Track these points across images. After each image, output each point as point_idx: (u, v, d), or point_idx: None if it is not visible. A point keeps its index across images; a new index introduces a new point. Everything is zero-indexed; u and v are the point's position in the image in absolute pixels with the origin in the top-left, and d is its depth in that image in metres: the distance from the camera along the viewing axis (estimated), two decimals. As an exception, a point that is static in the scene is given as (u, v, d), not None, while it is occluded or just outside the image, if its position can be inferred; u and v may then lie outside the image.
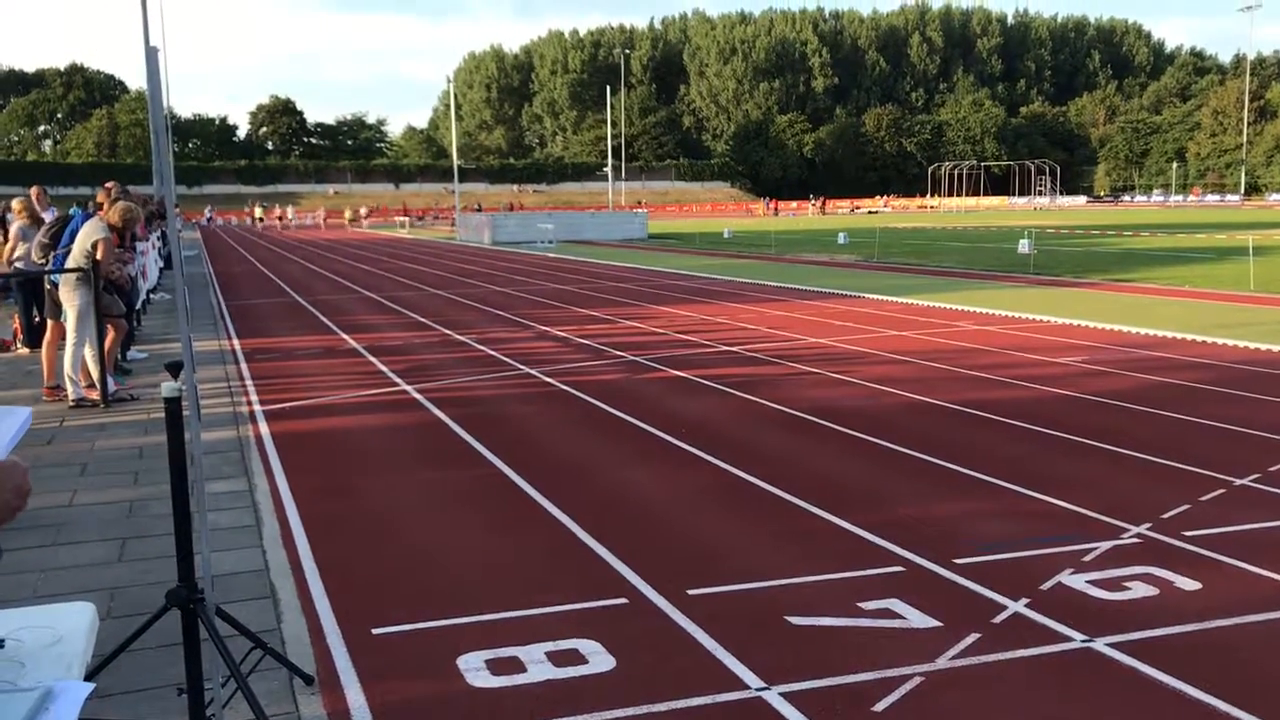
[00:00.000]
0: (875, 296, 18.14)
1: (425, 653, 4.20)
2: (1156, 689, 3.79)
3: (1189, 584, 4.79)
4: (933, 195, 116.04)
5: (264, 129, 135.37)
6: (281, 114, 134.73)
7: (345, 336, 14.45)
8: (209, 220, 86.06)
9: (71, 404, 9.43)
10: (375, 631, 4.41)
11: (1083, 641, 4.20)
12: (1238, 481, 6.42)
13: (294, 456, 7.52)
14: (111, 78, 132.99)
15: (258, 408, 9.35)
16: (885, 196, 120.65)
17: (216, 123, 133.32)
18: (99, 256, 9.53)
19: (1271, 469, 6.69)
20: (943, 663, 4.03)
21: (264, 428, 8.50)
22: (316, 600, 4.78)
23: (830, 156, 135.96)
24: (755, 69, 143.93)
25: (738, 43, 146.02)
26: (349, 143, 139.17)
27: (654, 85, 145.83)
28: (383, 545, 5.54)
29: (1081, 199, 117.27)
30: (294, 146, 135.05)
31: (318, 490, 6.64)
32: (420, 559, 5.31)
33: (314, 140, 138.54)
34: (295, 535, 5.73)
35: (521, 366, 11.45)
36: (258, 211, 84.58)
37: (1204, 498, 6.10)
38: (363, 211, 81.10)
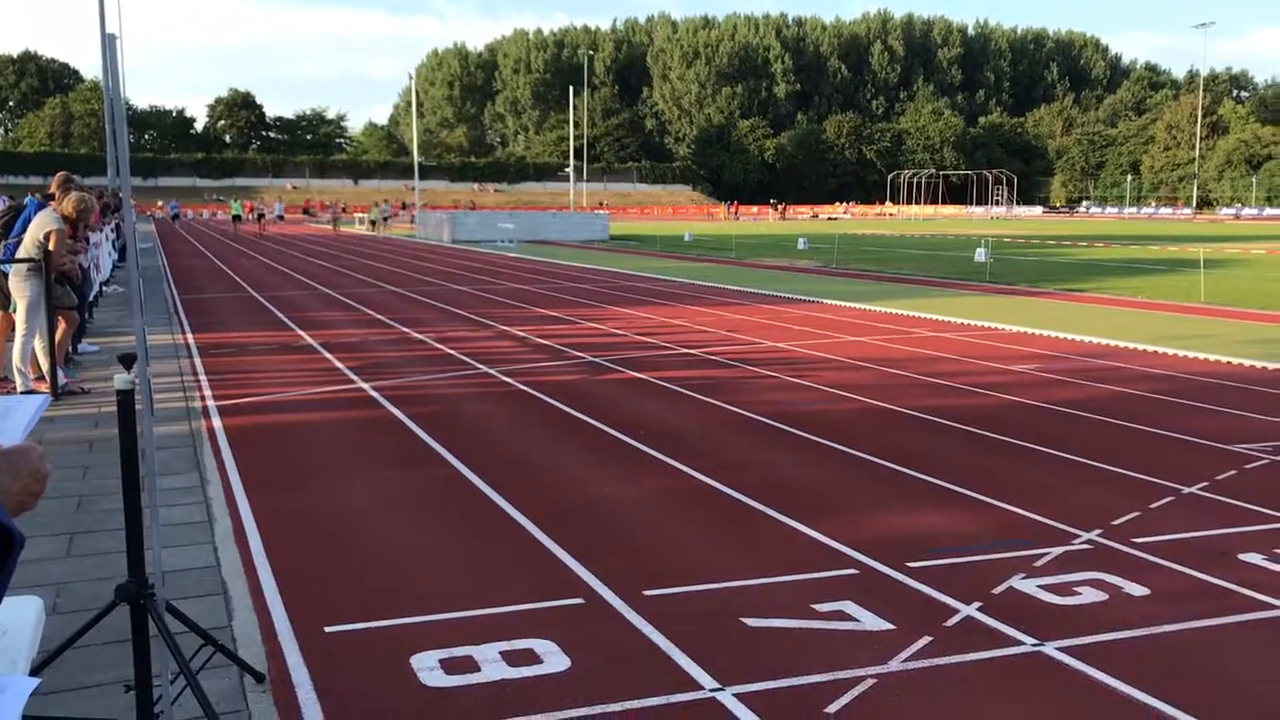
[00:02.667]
0: (834, 302, 18.25)
1: (379, 652, 4.17)
2: (1105, 692, 3.84)
3: (1137, 589, 4.86)
4: (892, 203, 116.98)
5: (222, 122, 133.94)
6: (240, 107, 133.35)
7: (301, 332, 14.32)
8: (174, 216, 69.19)
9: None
10: (328, 630, 4.37)
11: (1033, 645, 4.25)
12: (1186, 490, 6.52)
13: (248, 453, 7.44)
14: (66, 66, 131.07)
15: (211, 403, 9.24)
16: (845, 203, 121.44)
17: (174, 114, 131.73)
18: (51, 247, 9.38)
19: (1219, 477, 6.80)
20: (895, 665, 4.06)
21: (217, 423, 8.40)
22: (269, 598, 4.73)
23: (791, 162, 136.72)
24: (718, 73, 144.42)
25: (701, 46, 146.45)
26: (308, 137, 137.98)
27: (617, 87, 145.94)
28: (337, 543, 5.50)
29: (1038, 209, 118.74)
30: (252, 140, 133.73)
31: (271, 487, 6.58)
32: (375, 557, 5.28)
33: (273, 134, 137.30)
34: (248, 532, 5.67)
35: (480, 366, 11.40)
36: (234, 207, 59.52)
37: (1153, 505, 6.20)
38: (384, 208, 56.44)
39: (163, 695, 3.52)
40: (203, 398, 9.50)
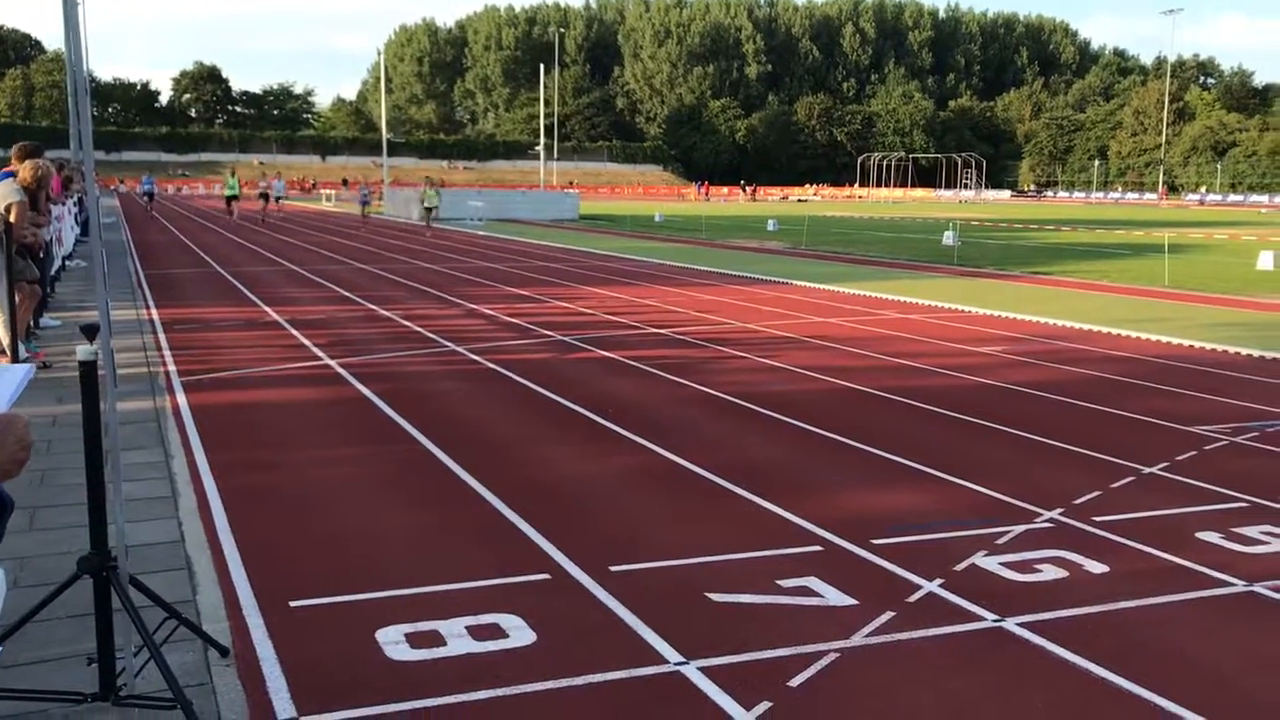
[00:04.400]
0: (803, 283, 18.31)
1: (344, 626, 4.16)
2: (1063, 666, 3.90)
3: (1097, 567, 4.93)
4: (861, 185, 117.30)
5: (187, 96, 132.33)
6: (206, 81, 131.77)
7: (267, 309, 14.21)
8: (148, 195, 49.48)
9: (-20, 370, 9.14)
10: (293, 604, 4.36)
11: (994, 621, 4.30)
12: (1146, 470, 6.61)
13: (212, 428, 7.38)
14: (27, 36, 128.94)
15: (175, 378, 9.16)
16: (815, 185, 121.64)
17: (138, 87, 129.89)
18: (12, 219, 9.25)
19: (1179, 458, 6.90)
20: (858, 640, 4.10)
21: (182, 399, 8.33)
22: (233, 572, 4.71)
23: (762, 143, 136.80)
24: (689, 53, 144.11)
25: (672, 26, 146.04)
26: (275, 113, 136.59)
27: (588, 65, 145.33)
28: (302, 518, 5.48)
29: (1006, 193, 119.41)
30: (218, 115, 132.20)
31: (236, 463, 6.53)
32: (341, 533, 5.26)
33: (239, 109, 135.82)
34: (213, 507, 5.63)
35: (448, 343, 11.36)
36: (231, 185, 42.04)
37: (1114, 485, 6.28)
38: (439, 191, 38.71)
39: (126, 668, 3.50)
40: (167, 373, 9.42)
